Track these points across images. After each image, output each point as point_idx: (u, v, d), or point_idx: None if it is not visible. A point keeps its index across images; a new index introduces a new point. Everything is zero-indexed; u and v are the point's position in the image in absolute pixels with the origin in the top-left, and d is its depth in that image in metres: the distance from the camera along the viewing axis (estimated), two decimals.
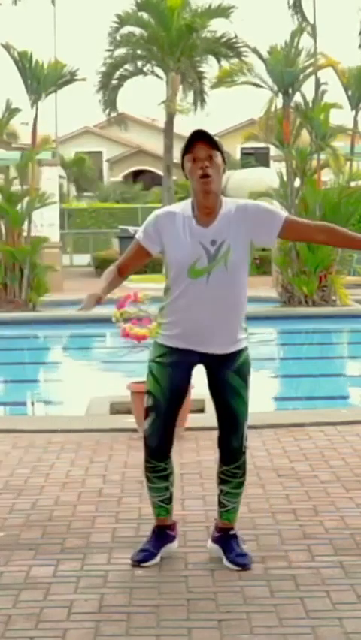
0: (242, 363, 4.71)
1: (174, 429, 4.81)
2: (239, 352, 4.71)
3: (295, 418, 8.26)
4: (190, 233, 4.56)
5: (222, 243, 4.55)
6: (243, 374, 4.72)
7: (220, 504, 4.91)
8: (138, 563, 4.78)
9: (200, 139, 4.53)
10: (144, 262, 4.82)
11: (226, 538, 4.87)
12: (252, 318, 17.71)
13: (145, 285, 12.00)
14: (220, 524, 4.93)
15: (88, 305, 4.49)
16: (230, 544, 4.83)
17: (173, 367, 4.69)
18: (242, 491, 4.91)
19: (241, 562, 4.73)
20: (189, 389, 7.45)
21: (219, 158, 4.54)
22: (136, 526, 5.36)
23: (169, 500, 4.91)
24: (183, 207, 4.64)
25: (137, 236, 4.74)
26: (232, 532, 4.90)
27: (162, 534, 4.93)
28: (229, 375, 4.70)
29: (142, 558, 4.80)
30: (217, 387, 4.74)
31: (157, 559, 4.82)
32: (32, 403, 12.04)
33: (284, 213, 4.73)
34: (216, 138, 4.61)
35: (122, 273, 4.79)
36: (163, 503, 4.90)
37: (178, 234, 4.58)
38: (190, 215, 4.60)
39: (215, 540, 4.91)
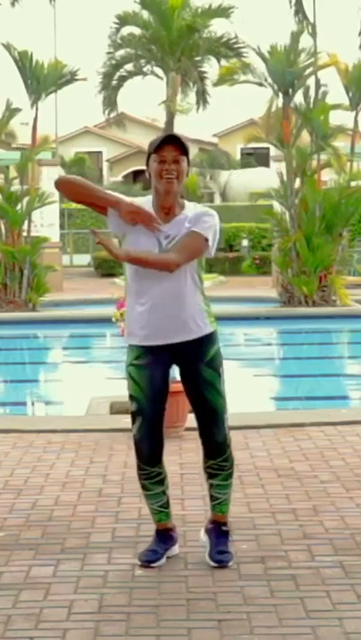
0: (214, 355, 4.77)
1: (162, 432, 4.82)
2: (209, 341, 4.75)
3: (295, 418, 8.26)
4: (147, 227, 4.69)
5: (175, 237, 4.67)
6: (215, 366, 4.77)
7: (212, 497, 4.91)
8: (147, 563, 4.78)
9: (170, 142, 4.65)
10: (95, 207, 4.78)
11: (217, 532, 4.89)
12: (252, 318, 17.57)
13: None
14: (213, 517, 4.94)
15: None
16: (219, 540, 4.85)
17: (150, 368, 4.75)
18: (232, 482, 4.91)
19: (218, 559, 4.77)
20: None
21: (185, 163, 4.68)
22: (136, 526, 5.36)
23: (167, 504, 4.93)
24: (145, 203, 4.76)
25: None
26: (224, 528, 4.90)
27: (166, 536, 4.94)
28: (202, 368, 4.75)
29: (151, 558, 4.80)
30: (192, 382, 4.79)
31: (164, 559, 4.84)
32: (32, 403, 12.04)
33: (204, 233, 4.67)
34: (187, 144, 4.71)
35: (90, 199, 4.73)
36: (162, 508, 4.92)
37: (139, 226, 4.70)
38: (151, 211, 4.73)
39: (207, 531, 4.93)
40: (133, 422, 4.80)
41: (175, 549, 4.95)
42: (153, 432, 4.77)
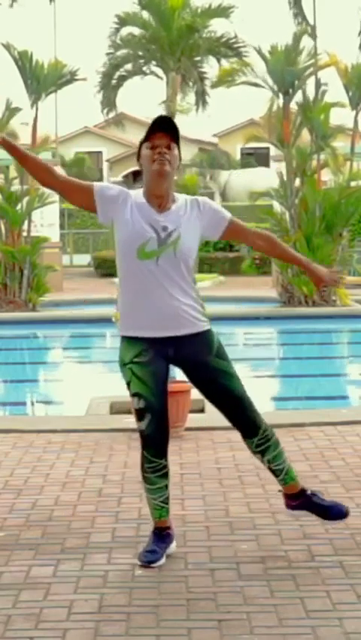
0: (218, 345, 4.82)
1: (168, 424, 4.84)
2: (209, 335, 4.80)
3: (295, 418, 8.26)
4: (141, 214, 4.67)
5: (174, 230, 4.67)
6: (223, 355, 4.82)
7: (275, 473, 4.97)
8: (147, 563, 4.76)
9: (161, 129, 4.64)
10: (75, 199, 4.76)
11: (307, 500, 5.02)
12: (252, 318, 17.57)
13: None
14: (289, 490, 5.04)
15: None
16: (315, 504, 5.01)
17: (153, 364, 4.75)
18: (282, 449, 4.97)
19: (336, 510, 5.01)
20: (189, 390, 7.51)
21: (176, 150, 4.68)
22: (136, 526, 5.36)
23: (168, 500, 4.92)
24: (135, 194, 4.75)
25: (95, 184, 4.76)
26: (308, 493, 5.03)
27: (163, 535, 4.93)
28: (212, 361, 4.77)
29: (151, 559, 4.78)
30: (206, 378, 4.79)
31: (163, 559, 4.82)
32: (32, 403, 12.04)
33: (228, 214, 4.86)
34: (177, 127, 4.70)
35: (50, 176, 4.76)
36: (163, 504, 4.90)
37: (128, 214, 4.68)
38: (142, 201, 4.72)
39: (297, 507, 5.06)
40: (140, 419, 4.77)
41: (173, 546, 4.94)
42: (162, 425, 4.79)
